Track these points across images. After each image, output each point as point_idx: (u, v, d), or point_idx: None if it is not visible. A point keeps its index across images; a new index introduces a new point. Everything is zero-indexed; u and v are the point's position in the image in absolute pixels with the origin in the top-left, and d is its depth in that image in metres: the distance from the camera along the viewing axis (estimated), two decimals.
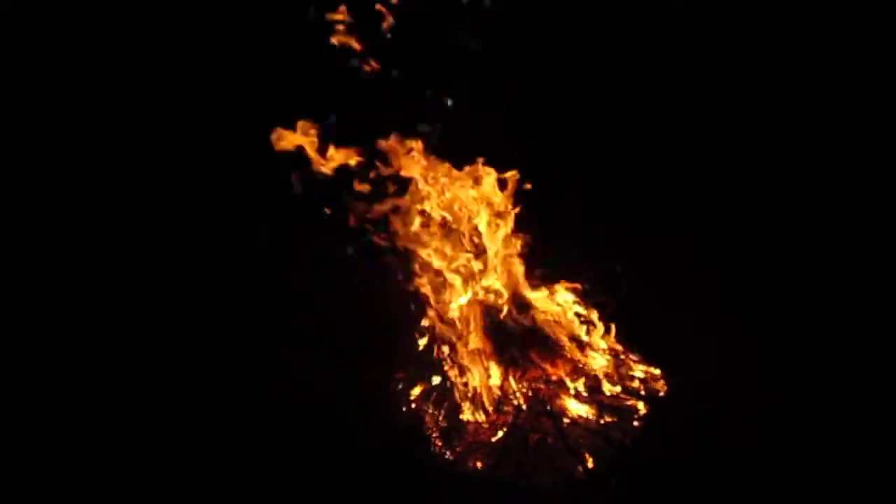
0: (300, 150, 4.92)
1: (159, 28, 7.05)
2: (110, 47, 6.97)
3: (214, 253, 6.42)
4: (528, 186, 5.00)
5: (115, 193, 6.69)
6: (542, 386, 4.72)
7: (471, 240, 4.95)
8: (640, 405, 4.66)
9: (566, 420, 4.55)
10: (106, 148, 6.85)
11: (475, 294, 4.91)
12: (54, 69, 6.92)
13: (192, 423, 4.86)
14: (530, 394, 4.69)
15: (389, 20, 5.18)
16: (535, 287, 5.06)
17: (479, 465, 4.44)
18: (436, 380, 4.91)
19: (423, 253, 4.87)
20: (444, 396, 4.81)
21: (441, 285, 4.93)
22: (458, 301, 4.92)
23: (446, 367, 4.85)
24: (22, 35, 6.92)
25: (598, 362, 4.92)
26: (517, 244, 5.01)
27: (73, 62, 6.93)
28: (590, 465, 4.32)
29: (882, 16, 6.44)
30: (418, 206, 4.87)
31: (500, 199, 4.97)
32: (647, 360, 5.00)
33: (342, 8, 5.03)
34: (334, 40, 5.10)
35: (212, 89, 7.02)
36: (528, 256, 5.04)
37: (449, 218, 4.92)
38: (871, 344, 4.83)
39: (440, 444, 4.59)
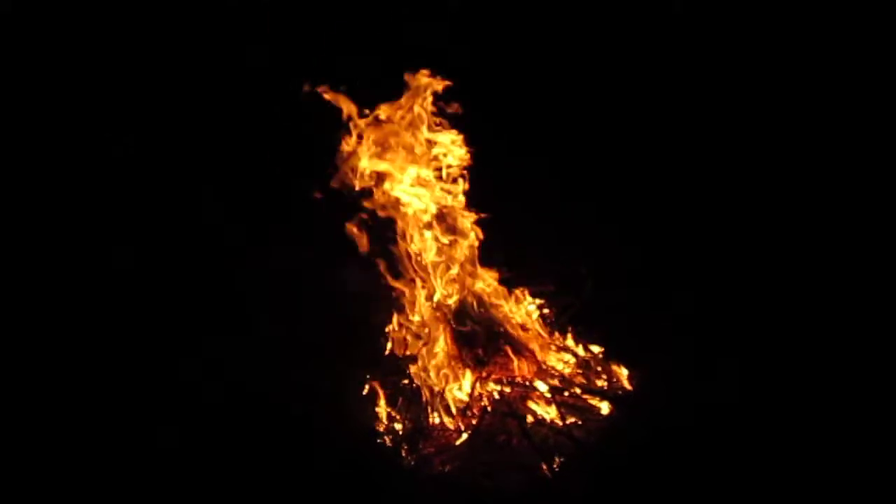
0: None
1: (158, 29, 7.09)
2: (109, 48, 7.00)
3: (183, 254, 6.44)
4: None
5: (105, 192, 6.73)
6: (508, 388, 4.75)
7: (437, 243, 4.96)
8: (605, 404, 4.71)
9: (531, 421, 4.58)
10: (104, 148, 6.88)
11: (441, 297, 4.94)
12: (54, 69, 6.94)
13: (154, 424, 4.87)
14: (496, 395, 4.73)
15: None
16: (500, 289, 5.08)
17: (445, 467, 4.46)
18: (402, 383, 4.95)
19: (390, 258, 4.91)
20: (411, 400, 4.85)
21: (407, 289, 4.97)
22: (424, 304, 4.96)
23: (412, 371, 4.88)
24: (21, 35, 6.95)
25: (563, 363, 4.96)
26: (482, 247, 5.05)
27: (72, 62, 6.96)
28: (555, 464, 4.34)
29: (882, 16, 6.50)
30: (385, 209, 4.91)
31: (464, 200, 5.00)
32: (612, 359, 5.04)
33: None
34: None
35: (207, 90, 7.08)
36: (493, 259, 5.08)
37: (415, 220, 4.94)
38: (840, 344, 4.88)
39: (406, 447, 4.61)
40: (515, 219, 5.36)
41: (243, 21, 7.27)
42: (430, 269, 4.91)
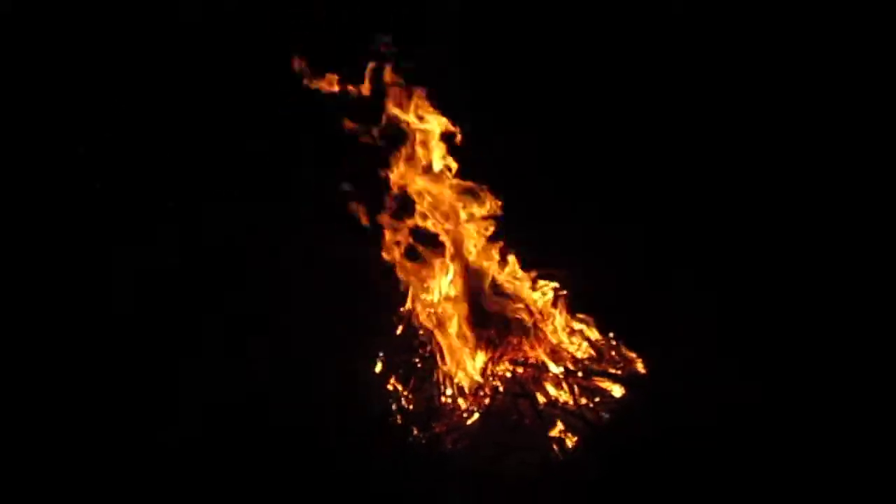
0: None
1: (157, 30, 7.09)
2: (108, 48, 7.00)
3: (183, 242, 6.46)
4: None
5: (106, 192, 6.73)
6: (520, 368, 4.76)
7: (451, 225, 4.95)
8: (617, 387, 4.71)
9: (543, 402, 4.58)
10: (102, 149, 6.88)
11: (455, 278, 4.94)
12: (53, 69, 6.93)
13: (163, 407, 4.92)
14: (508, 376, 4.73)
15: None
16: (514, 272, 5.08)
17: (457, 447, 4.47)
18: (414, 362, 4.95)
19: (403, 239, 4.91)
20: (423, 379, 4.86)
21: (421, 270, 4.97)
22: (438, 285, 4.96)
23: (425, 351, 4.90)
24: (21, 35, 6.94)
25: (575, 345, 4.97)
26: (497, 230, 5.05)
27: (71, 62, 6.95)
28: (567, 446, 4.36)
29: (882, 16, 6.51)
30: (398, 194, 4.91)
31: (479, 187, 5.00)
32: (624, 343, 5.05)
33: None
34: None
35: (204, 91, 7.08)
36: (508, 242, 5.08)
37: (429, 206, 4.94)
38: (840, 324, 4.93)
39: (418, 426, 4.61)
40: (530, 203, 5.34)
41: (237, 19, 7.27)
42: (446, 250, 4.91)
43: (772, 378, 4.60)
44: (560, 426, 4.46)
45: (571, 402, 4.60)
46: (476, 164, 5.03)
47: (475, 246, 4.94)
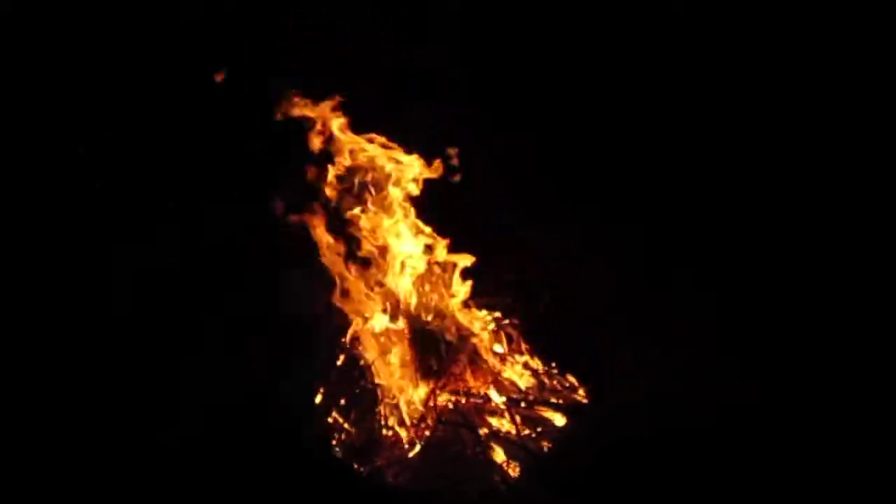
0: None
1: (157, 30, 7.13)
2: (108, 48, 7.05)
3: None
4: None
5: (105, 192, 6.80)
6: (463, 399, 4.75)
7: (392, 255, 4.95)
8: (559, 417, 4.70)
9: (486, 432, 4.57)
10: (102, 148, 6.94)
11: (396, 309, 4.93)
12: (53, 69, 7.00)
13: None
14: (450, 406, 4.72)
15: None
16: (456, 300, 5.06)
17: (398, 479, 4.47)
18: (355, 393, 4.91)
19: (345, 268, 4.90)
20: (364, 410, 4.83)
21: (363, 300, 4.95)
22: (379, 315, 4.95)
23: (366, 382, 4.87)
24: (21, 35, 7.01)
25: (518, 375, 4.94)
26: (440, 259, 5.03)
27: (71, 62, 7.01)
28: (510, 476, 4.35)
29: (882, 16, 6.36)
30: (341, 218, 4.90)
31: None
32: (567, 372, 5.03)
33: None
34: None
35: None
36: (450, 271, 5.06)
37: (371, 233, 4.94)
38: (840, 324, 4.94)
39: (359, 459, 4.61)
40: (473, 231, 5.31)
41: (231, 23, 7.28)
42: (389, 279, 4.91)
43: (772, 378, 4.59)
44: (503, 457, 4.46)
45: (514, 432, 4.57)
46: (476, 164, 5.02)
47: (418, 272, 4.96)
